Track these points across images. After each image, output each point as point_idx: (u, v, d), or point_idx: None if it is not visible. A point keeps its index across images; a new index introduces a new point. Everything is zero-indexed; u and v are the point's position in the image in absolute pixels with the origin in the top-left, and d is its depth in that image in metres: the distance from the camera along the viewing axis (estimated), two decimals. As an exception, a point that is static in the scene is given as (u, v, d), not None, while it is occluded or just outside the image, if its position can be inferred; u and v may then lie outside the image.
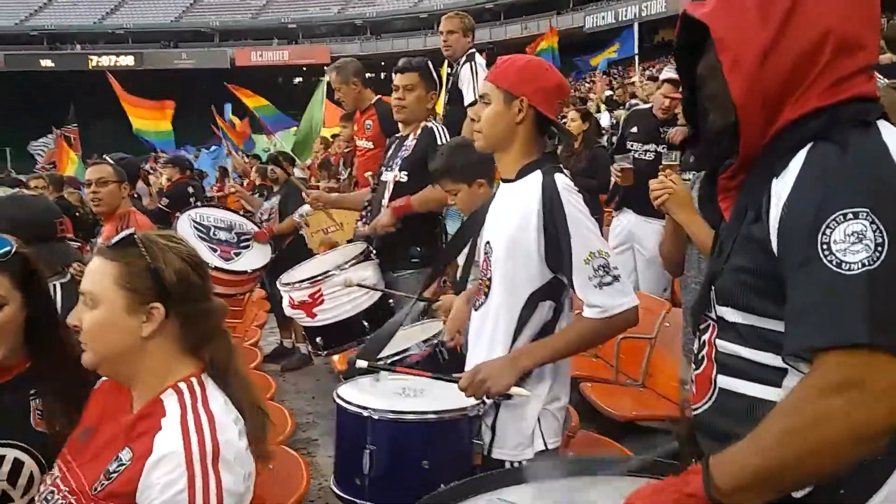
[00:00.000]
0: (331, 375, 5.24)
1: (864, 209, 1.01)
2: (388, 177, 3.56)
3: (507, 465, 2.05)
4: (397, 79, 3.55)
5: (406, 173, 3.48)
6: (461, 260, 2.54)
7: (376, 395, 2.20)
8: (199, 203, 6.40)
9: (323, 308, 3.10)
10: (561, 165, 2.15)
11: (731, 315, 1.21)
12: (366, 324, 3.10)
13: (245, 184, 10.50)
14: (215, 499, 1.33)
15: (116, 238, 1.48)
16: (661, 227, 4.25)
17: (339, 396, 2.18)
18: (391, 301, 3.21)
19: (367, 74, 4.70)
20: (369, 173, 4.04)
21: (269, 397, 3.17)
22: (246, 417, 1.49)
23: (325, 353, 3.32)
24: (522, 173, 2.10)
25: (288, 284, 3.20)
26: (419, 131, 3.54)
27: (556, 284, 2.05)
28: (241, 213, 5.86)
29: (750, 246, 1.16)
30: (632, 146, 4.77)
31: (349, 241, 4.17)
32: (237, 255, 5.09)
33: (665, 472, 1.22)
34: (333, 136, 10.27)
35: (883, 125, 1.12)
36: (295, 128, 11.72)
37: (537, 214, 1.99)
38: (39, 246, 2.66)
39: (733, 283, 1.20)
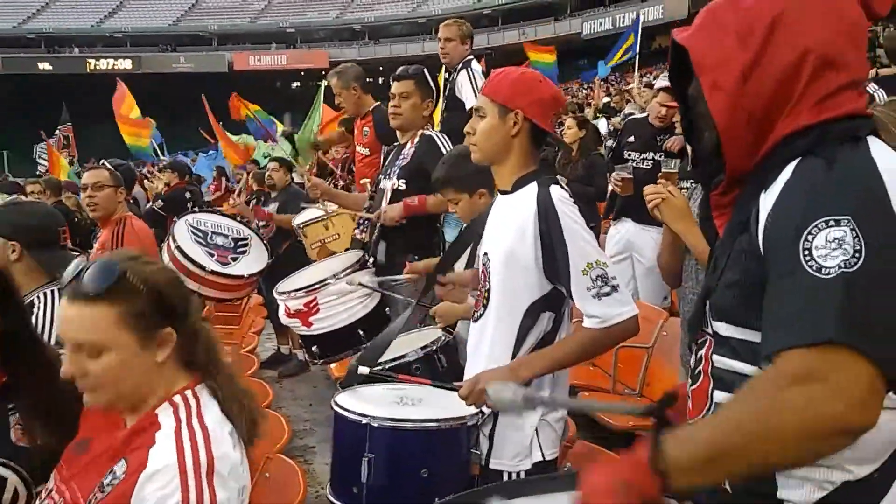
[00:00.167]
0: (328, 382, 5.23)
1: (847, 216, 1.02)
2: (386, 185, 3.57)
3: (505, 476, 2.06)
4: (394, 87, 3.57)
5: (404, 181, 3.49)
6: (459, 269, 2.54)
7: (375, 402, 2.20)
8: (196, 208, 6.40)
9: (318, 317, 3.10)
10: (557, 177, 2.16)
11: (725, 330, 1.22)
12: (361, 332, 3.10)
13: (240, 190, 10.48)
14: None
15: (96, 280, 1.37)
16: (659, 235, 4.27)
17: (337, 404, 2.18)
18: (387, 309, 3.21)
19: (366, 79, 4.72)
20: (366, 180, 4.05)
21: (266, 405, 3.16)
22: (237, 424, 1.48)
23: (322, 361, 3.33)
24: (518, 185, 2.11)
25: (284, 293, 3.20)
26: (417, 139, 3.54)
27: (556, 295, 2.06)
28: (239, 218, 5.86)
29: (741, 260, 1.18)
30: (629, 155, 4.78)
31: (346, 250, 4.18)
32: (234, 259, 5.08)
33: None
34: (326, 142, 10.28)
35: (872, 141, 1.13)
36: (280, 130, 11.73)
37: (534, 226, 2.00)
38: (41, 252, 2.67)
39: (727, 298, 1.21)
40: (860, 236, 1.01)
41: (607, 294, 1.96)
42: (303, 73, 44.25)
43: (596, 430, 3.35)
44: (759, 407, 1.02)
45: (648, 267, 4.60)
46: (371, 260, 3.40)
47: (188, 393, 1.46)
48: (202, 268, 4.62)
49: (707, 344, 1.28)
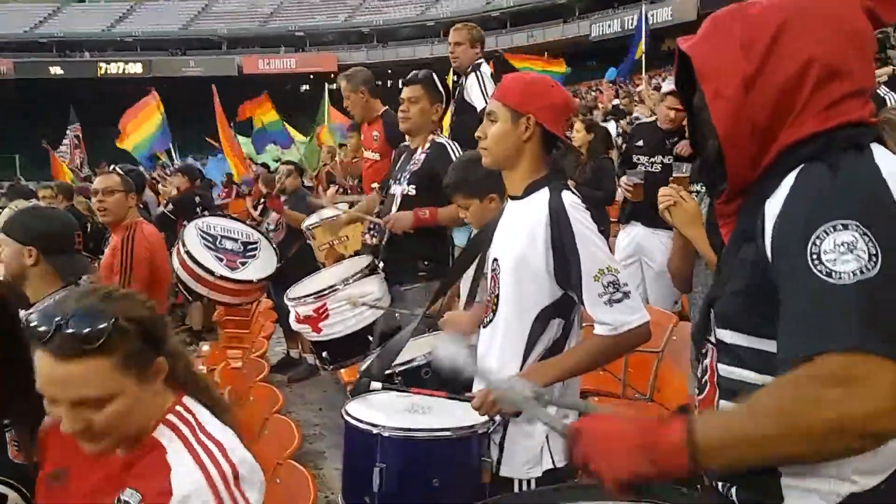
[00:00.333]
0: (337, 386, 5.24)
1: (853, 221, 1.03)
2: (397, 190, 3.57)
3: (516, 484, 2.05)
4: (403, 91, 3.58)
5: (414, 187, 3.49)
6: (469, 276, 2.54)
7: (385, 411, 2.20)
8: (206, 212, 6.43)
9: (328, 323, 3.10)
10: (568, 182, 2.15)
11: (731, 338, 1.23)
12: (371, 339, 3.10)
13: (252, 192, 10.53)
14: None
15: (88, 333, 1.28)
16: (669, 239, 4.25)
17: (347, 413, 2.17)
18: (397, 315, 3.21)
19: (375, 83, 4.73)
20: (375, 184, 4.05)
21: (276, 410, 3.16)
22: (227, 421, 1.48)
23: (332, 367, 3.33)
24: (529, 190, 2.10)
25: (294, 299, 3.21)
26: (427, 145, 3.54)
27: (566, 301, 2.05)
28: (248, 222, 5.88)
29: (746, 267, 1.18)
30: (638, 159, 4.76)
31: (356, 253, 4.17)
32: (243, 264, 5.10)
33: (667, 495, 1.21)
34: (341, 146, 10.30)
35: (876, 148, 1.13)
36: (300, 140, 11.75)
37: (545, 232, 2.00)
38: (57, 257, 2.69)
39: (732, 306, 1.21)
40: (873, 241, 1.01)
41: (619, 300, 1.95)
42: (312, 77, 44.35)
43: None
44: (796, 402, 1.03)
45: (658, 271, 4.58)
46: (381, 265, 3.39)
47: (179, 409, 1.44)
48: (211, 273, 4.63)
49: (712, 353, 1.28)
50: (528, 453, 2.05)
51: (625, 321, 1.95)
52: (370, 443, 2.06)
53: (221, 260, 4.94)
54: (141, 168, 9.83)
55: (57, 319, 1.29)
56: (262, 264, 5.20)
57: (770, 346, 1.15)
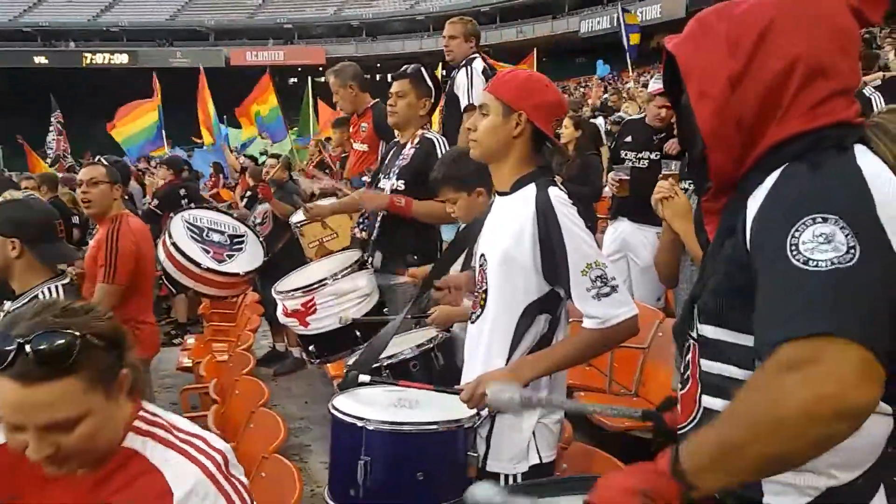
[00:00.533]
0: (324, 380, 5.23)
1: (834, 216, 1.03)
2: (386, 185, 3.56)
3: (502, 478, 2.06)
4: (392, 86, 3.58)
5: (403, 182, 3.48)
6: (455, 270, 2.54)
7: (372, 405, 2.19)
8: (192, 204, 6.38)
9: (315, 317, 3.10)
10: (556, 178, 2.16)
11: (713, 333, 1.23)
12: (358, 333, 3.10)
13: (238, 184, 10.47)
14: (247, 499, 1.36)
15: (55, 354, 1.21)
16: (655, 235, 4.29)
17: (334, 407, 2.17)
18: (385, 310, 3.21)
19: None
20: (365, 177, 4.04)
21: (262, 403, 3.16)
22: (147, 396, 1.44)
23: (319, 361, 3.32)
24: (517, 186, 2.11)
25: (282, 293, 3.20)
26: (417, 140, 3.54)
27: (553, 296, 2.06)
28: (235, 215, 5.85)
29: (727, 263, 1.19)
30: (626, 155, 4.79)
31: (344, 249, 4.17)
32: (230, 257, 5.07)
33: None
34: (327, 139, 10.27)
35: (859, 149, 1.14)
36: (291, 133, 11.69)
37: (532, 227, 2.00)
38: (41, 247, 2.67)
39: (714, 302, 1.22)
40: (852, 234, 1.01)
41: (607, 294, 1.96)
42: (300, 69, 44.12)
43: (592, 432, 3.35)
44: (759, 398, 1.02)
45: (643, 267, 4.61)
46: (370, 260, 3.39)
47: (144, 415, 1.40)
48: (198, 265, 4.61)
49: (695, 348, 1.29)
50: (514, 448, 2.06)
51: (613, 315, 1.96)
52: (356, 436, 2.05)
53: (208, 252, 4.91)
54: (126, 159, 9.74)
55: (18, 341, 1.20)
56: (249, 258, 5.18)
57: (749, 340, 1.15)
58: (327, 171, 8.95)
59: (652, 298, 4.65)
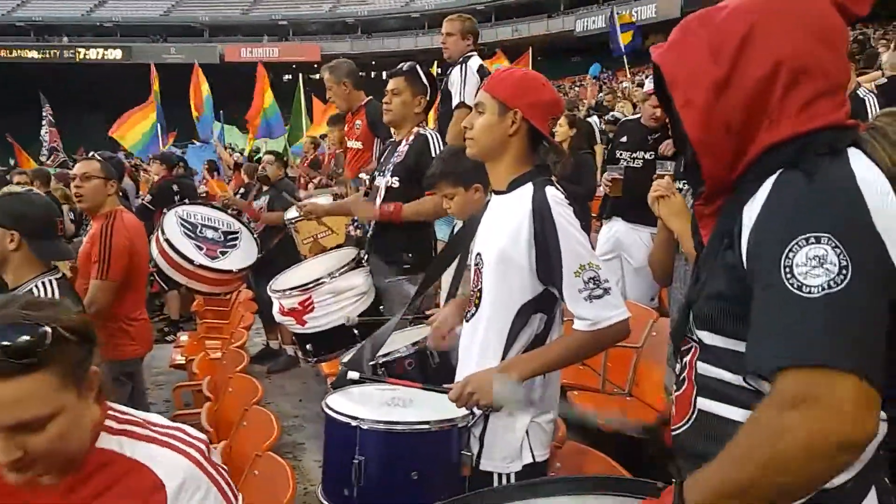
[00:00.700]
0: (317, 378, 5.23)
1: (827, 234, 1.04)
2: (381, 182, 3.56)
3: (495, 477, 2.06)
4: (388, 84, 3.58)
5: (397, 179, 3.48)
6: (450, 271, 2.54)
7: (365, 404, 2.19)
8: (186, 200, 6.36)
9: (313, 316, 3.09)
10: (553, 178, 2.16)
11: (708, 338, 1.24)
12: (355, 332, 3.09)
13: (232, 180, 10.45)
14: (231, 484, 1.37)
15: (25, 346, 1.14)
16: (649, 235, 4.29)
17: (327, 406, 2.16)
18: (381, 308, 3.21)
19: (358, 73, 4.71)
20: (364, 176, 4.04)
21: (256, 401, 3.15)
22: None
23: (315, 360, 3.31)
24: (513, 185, 2.11)
25: (278, 291, 3.19)
26: (411, 137, 3.54)
27: (548, 297, 2.06)
28: (230, 211, 5.84)
29: (724, 272, 1.19)
30: (620, 155, 4.80)
31: (339, 246, 4.16)
32: (223, 253, 5.06)
33: (643, 490, 1.23)
34: (322, 136, 10.25)
35: (853, 153, 1.14)
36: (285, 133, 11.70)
37: (528, 227, 2.00)
38: (39, 242, 2.67)
39: (710, 308, 1.22)
40: (844, 253, 1.02)
41: (599, 296, 1.96)
42: (294, 66, 44.01)
43: (586, 432, 3.35)
44: (762, 436, 1.04)
45: (637, 267, 4.62)
46: (366, 257, 3.38)
47: (114, 414, 1.35)
48: (190, 261, 4.60)
49: (692, 351, 1.29)
50: (508, 447, 2.06)
51: (604, 317, 1.96)
52: (349, 435, 2.05)
53: (201, 249, 4.91)
54: (120, 155, 9.71)
55: None
56: (243, 255, 5.17)
57: (745, 347, 1.15)
58: (320, 168, 8.94)
59: (645, 298, 4.66)
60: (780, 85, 1.16)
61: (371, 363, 2.46)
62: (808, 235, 1.04)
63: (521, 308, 2.06)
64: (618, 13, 16.13)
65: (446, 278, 2.63)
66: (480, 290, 2.12)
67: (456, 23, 4.69)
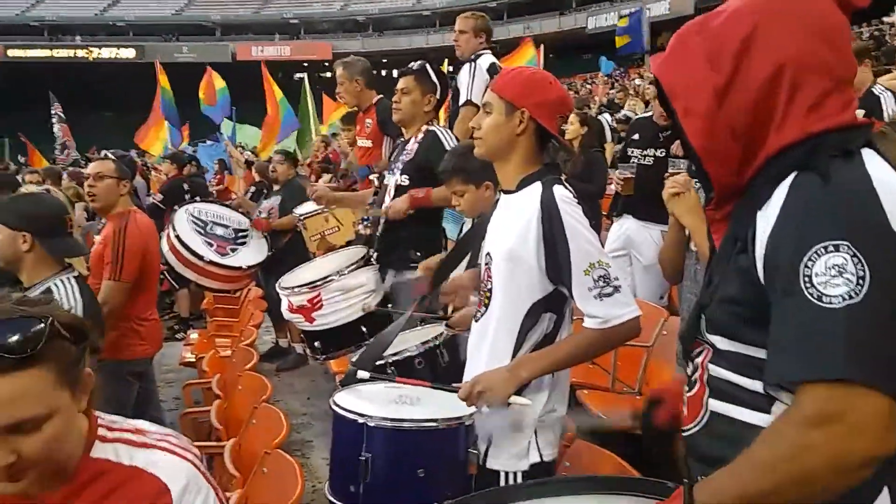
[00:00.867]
0: (326, 375, 5.23)
1: (845, 242, 1.02)
2: (390, 180, 3.56)
3: (502, 476, 2.05)
4: (398, 82, 3.57)
5: (407, 177, 3.48)
6: (460, 270, 2.53)
7: (373, 402, 2.19)
8: (196, 199, 6.39)
9: (321, 313, 3.09)
10: (561, 177, 2.15)
11: (721, 343, 1.23)
12: (364, 329, 3.09)
13: (242, 178, 10.48)
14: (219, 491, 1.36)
15: (24, 340, 1.11)
16: (660, 233, 4.27)
17: (335, 403, 2.17)
18: (389, 306, 3.20)
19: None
20: (374, 175, 4.03)
21: (265, 399, 3.16)
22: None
23: (324, 357, 3.31)
24: (522, 185, 2.10)
25: (287, 289, 3.19)
26: (420, 135, 3.53)
27: (557, 296, 2.05)
28: (240, 210, 5.86)
29: (738, 276, 1.18)
30: (632, 153, 4.78)
31: (348, 243, 4.16)
32: (233, 251, 5.09)
33: (653, 490, 1.22)
34: (333, 135, 10.27)
35: (867, 154, 1.13)
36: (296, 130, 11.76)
37: (537, 226, 1.99)
38: (51, 241, 2.69)
39: (722, 313, 1.21)
40: (862, 261, 1.01)
41: (609, 295, 1.95)
42: (306, 65, 44.13)
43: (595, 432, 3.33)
44: (784, 450, 1.04)
45: (646, 265, 4.60)
46: (375, 255, 3.38)
47: (104, 423, 1.31)
48: (200, 258, 4.61)
49: (704, 352, 1.28)
50: (515, 446, 2.05)
51: (615, 315, 1.95)
52: (357, 433, 2.05)
53: (211, 245, 4.93)
54: (133, 153, 9.77)
55: None
56: (252, 252, 5.19)
57: (758, 352, 1.15)
58: (332, 166, 8.95)
59: (654, 296, 4.64)
60: (785, 87, 1.14)
61: (380, 362, 2.46)
62: (826, 243, 1.03)
63: (530, 307, 2.05)
64: (623, 13, 16.03)
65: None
66: (490, 290, 2.12)
67: (469, 20, 4.67)
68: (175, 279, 4.88)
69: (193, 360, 4.95)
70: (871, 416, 1.00)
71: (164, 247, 4.56)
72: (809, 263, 1.04)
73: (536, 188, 2.05)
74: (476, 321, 2.19)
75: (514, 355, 2.06)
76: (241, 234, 5.34)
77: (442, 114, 4.71)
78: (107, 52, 45.10)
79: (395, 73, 3.72)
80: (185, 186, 7.57)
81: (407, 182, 3.47)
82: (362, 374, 2.18)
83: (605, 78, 20.95)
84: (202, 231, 5.02)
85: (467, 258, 2.61)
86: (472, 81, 4.35)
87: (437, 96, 3.61)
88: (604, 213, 6.19)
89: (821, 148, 1.12)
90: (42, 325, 1.12)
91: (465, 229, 3.28)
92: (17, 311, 1.16)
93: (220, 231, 5.18)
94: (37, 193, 3.18)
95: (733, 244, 1.20)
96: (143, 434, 1.32)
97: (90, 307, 2.72)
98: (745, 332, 1.17)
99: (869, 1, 1.21)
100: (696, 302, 1.33)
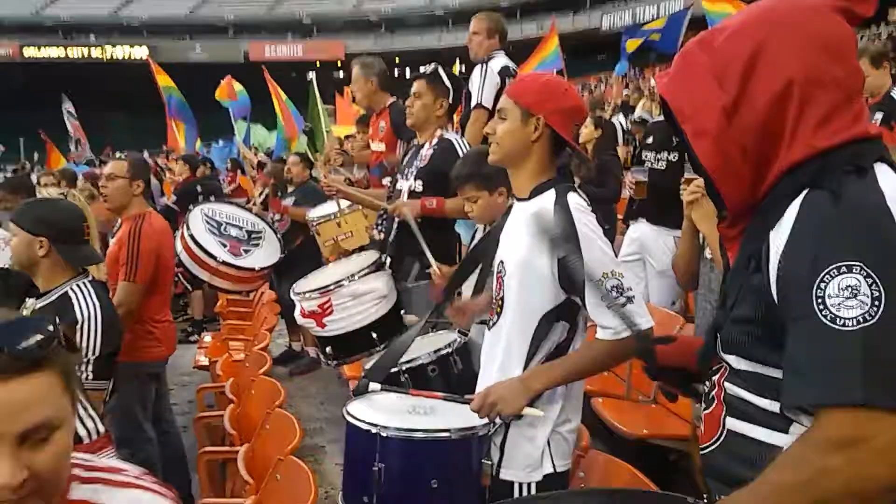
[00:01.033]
0: (339, 380, 5.23)
1: (858, 263, 1.01)
2: (404, 185, 3.55)
3: (516, 487, 2.04)
4: (412, 86, 3.56)
5: (421, 183, 3.47)
6: (472, 278, 2.52)
7: (386, 411, 2.18)
8: (211, 198, 6.41)
9: (332, 318, 3.08)
10: (575, 184, 2.14)
11: (736, 362, 1.22)
12: (374, 335, 3.08)
13: (254, 177, 10.50)
14: None
15: (36, 341, 1.05)
16: (674, 239, 4.24)
17: (348, 413, 2.16)
18: (402, 312, 3.19)
19: (380, 71, 4.69)
20: (387, 179, 4.03)
21: (279, 404, 3.16)
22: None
23: (335, 363, 3.30)
24: (536, 192, 2.09)
25: (299, 293, 3.19)
26: (435, 140, 3.52)
27: (570, 305, 2.04)
28: (254, 210, 5.87)
29: (751, 296, 1.17)
30: (646, 156, 4.76)
31: (361, 248, 4.16)
32: (246, 252, 5.09)
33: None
34: (347, 137, 10.26)
35: (880, 169, 1.11)
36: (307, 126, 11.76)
37: None
38: (67, 247, 2.70)
39: (737, 333, 1.20)
40: (877, 282, 1.00)
41: (622, 305, 1.93)
42: (319, 64, 44.24)
43: (609, 440, 3.32)
44: (805, 474, 1.03)
45: (660, 270, 4.58)
46: (388, 261, 3.37)
47: (80, 462, 1.21)
48: (213, 258, 4.63)
49: (722, 370, 1.27)
50: (528, 457, 2.04)
51: (628, 325, 1.93)
52: (370, 443, 2.04)
53: (225, 246, 4.94)
54: (145, 154, 9.83)
55: None
56: (266, 253, 5.19)
57: (774, 372, 1.14)
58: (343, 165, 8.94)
59: (667, 302, 4.62)
60: (794, 103, 1.13)
61: (394, 370, 2.45)
62: (839, 264, 1.02)
63: (543, 316, 2.04)
64: (653, 15, 15.83)
65: (468, 286, 2.62)
66: (502, 299, 2.11)
67: (483, 21, 4.63)
68: (189, 281, 4.89)
69: (207, 363, 4.96)
70: (891, 441, 0.98)
71: (178, 246, 4.57)
72: (822, 285, 1.02)
73: (550, 196, 2.04)
74: (489, 329, 2.18)
75: (526, 364, 2.04)
76: (254, 235, 5.35)
77: (456, 116, 4.70)
78: (120, 52, 45.43)
79: (408, 72, 3.69)
80: (199, 189, 7.59)
81: (420, 188, 3.46)
82: (374, 386, 2.18)
83: (619, 78, 20.84)
84: (216, 231, 5.03)
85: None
86: (483, 84, 4.34)
87: (450, 100, 3.59)
88: (619, 216, 6.16)
89: (832, 164, 1.11)
90: (52, 326, 1.08)
91: (477, 235, 3.26)
92: (12, 314, 1.10)
93: (233, 232, 5.19)
94: (56, 199, 3.19)
95: (747, 263, 1.18)
96: (119, 472, 1.24)
97: (107, 311, 2.73)
98: (759, 352, 1.16)
99: (874, 10, 1.19)
100: (711, 323, 1.32)
